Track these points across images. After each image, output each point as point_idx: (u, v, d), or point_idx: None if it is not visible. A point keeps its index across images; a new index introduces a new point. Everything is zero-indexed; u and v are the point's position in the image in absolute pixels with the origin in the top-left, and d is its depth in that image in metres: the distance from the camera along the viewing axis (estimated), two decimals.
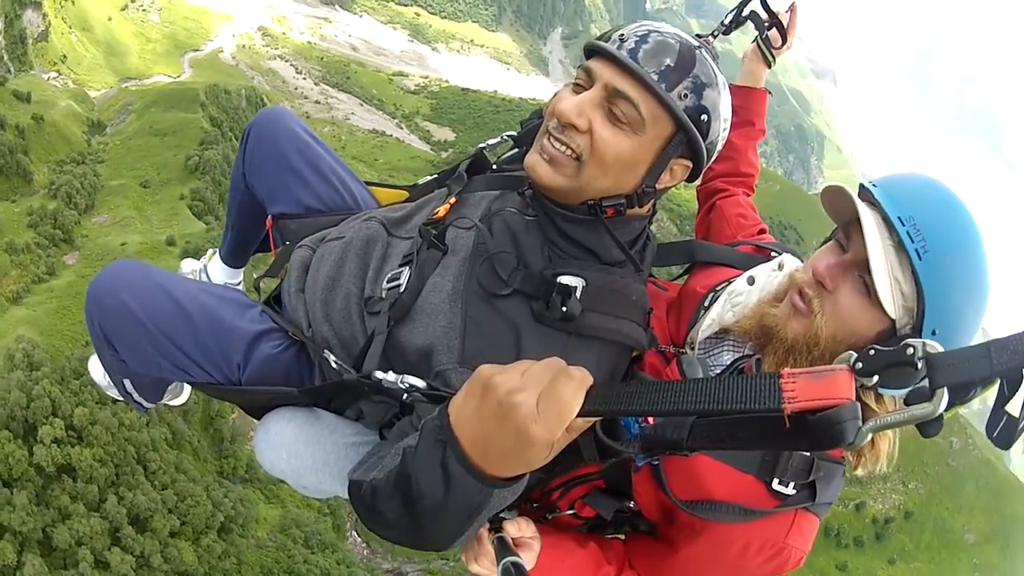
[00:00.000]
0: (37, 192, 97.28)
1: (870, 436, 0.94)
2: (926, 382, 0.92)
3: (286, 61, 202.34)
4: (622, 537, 2.32)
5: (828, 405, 0.94)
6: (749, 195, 2.91)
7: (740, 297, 2.10)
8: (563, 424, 1.15)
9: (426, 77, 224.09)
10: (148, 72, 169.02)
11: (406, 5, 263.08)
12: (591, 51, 1.92)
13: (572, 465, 1.85)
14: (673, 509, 1.99)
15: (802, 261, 2.14)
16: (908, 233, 1.72)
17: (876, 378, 0.96)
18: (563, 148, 1.87)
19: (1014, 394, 0.92)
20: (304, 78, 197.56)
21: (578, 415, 1.16)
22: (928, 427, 0.95)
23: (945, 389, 0.91)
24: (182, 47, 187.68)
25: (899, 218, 1.74)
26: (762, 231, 2.64)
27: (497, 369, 1.24)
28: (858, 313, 1.82)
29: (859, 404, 0.94)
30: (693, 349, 2.12)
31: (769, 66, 3.02)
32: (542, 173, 1.90)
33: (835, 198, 1.90)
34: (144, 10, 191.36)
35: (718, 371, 2.04)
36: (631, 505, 2.15)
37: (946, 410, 0.92)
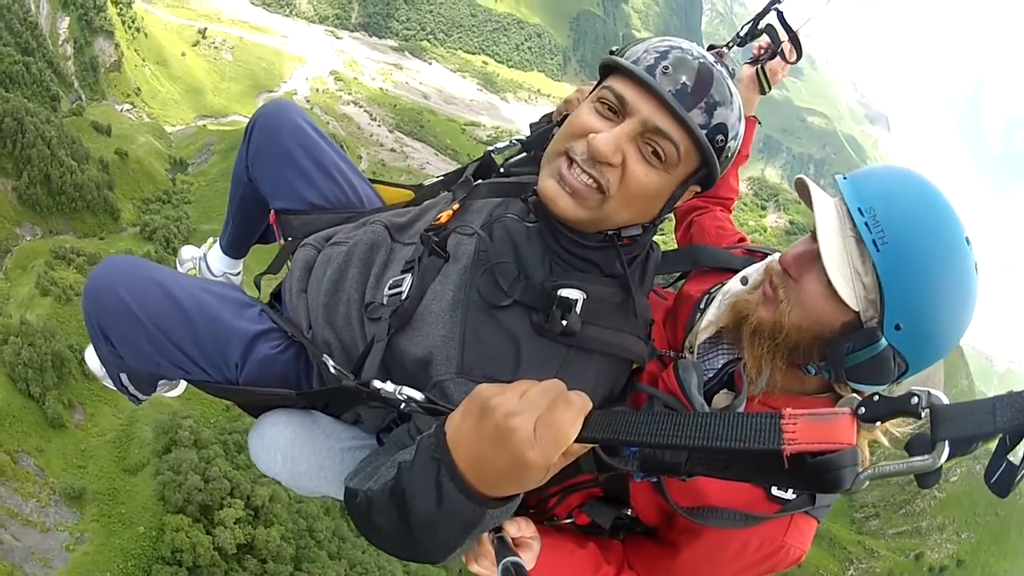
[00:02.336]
0: (124, 230, 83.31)
1: (867, 483, 0.94)
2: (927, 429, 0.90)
3: (360, 107, 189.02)
4: (621, 538, 2.24)
5: (828, 449, 0.92)
6: (727, 212, 2.87)
7: (733, 299, 2.01)
8: (559, 450, 1.14)
9: (497, 127, 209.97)
10: (224, 111, 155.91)
11: (474, 53, 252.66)
12: (615, 69, 1.79)
13: (569, 474, 1.81)
14: (672, 513, 1.94)
15: None
16: (866, 223, 1.66)
17: (878, 424, 0.95)
18: (589, 181, 1.76)
19: (1015, 447, 0.91)
20: (379, 125, 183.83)
21: (575, 441, 1.15)
22: (926, 478, 0.95)
23: (946, 442, 0.90)
24: (257, 87, 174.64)
25: (859, 208, 1.69)
26: (742, 240, 2.60)
27: (496, 390, 1.22)
28: (821, 303, 1.75)
29: (858, 450, 0.93)
30: (692, 353, 2.07)
31: (763, 93, 2.97)
32: (564, 206, 1.79)
33: (804, 190, 1.85)
34: (216, 47, 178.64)
35: (711, 375, 2.00)
36: (628, 513, 2.11)
37: (945, 462, 0.90)
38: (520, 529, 1.91)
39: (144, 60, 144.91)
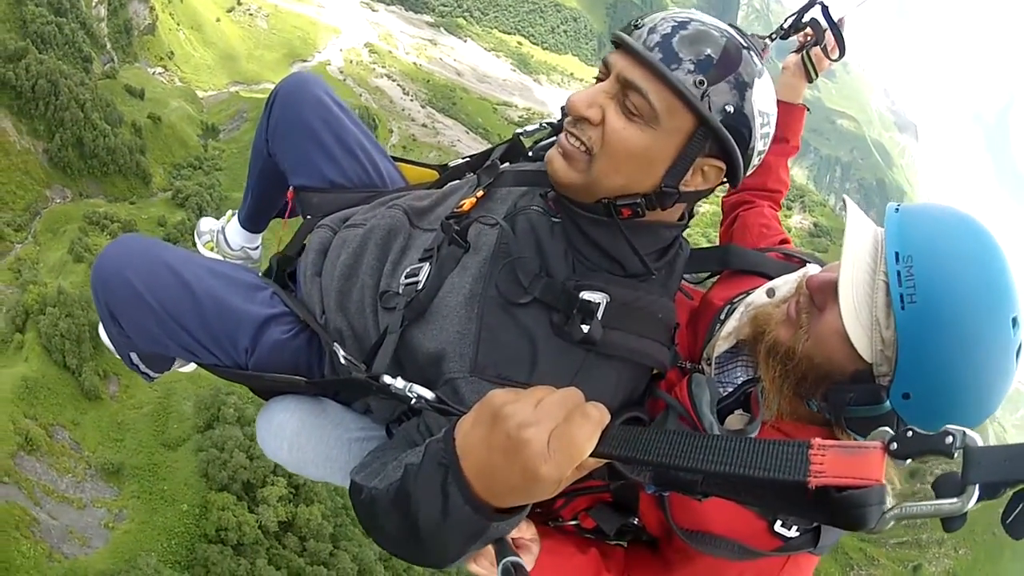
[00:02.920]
0: (155, 195, 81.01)
1: (892, 523, 0.90)
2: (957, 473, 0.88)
3: (393, 80, 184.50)
4: (624, 544, 2.17)
5: (855, 485, 0.89)
6: (775, 210, 2.75)
7: (754, 311, 1.93)
8: (573, 465, 1.09)
9: (529, 109, 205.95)
10: (257, 78, 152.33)
11: (509, 33, 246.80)
12: (615, 43, 1.74)
13: (579, 479, 1.74)
14: (672, 530, 1.88)
15: None
16: (899, 273, 1.50)
17: (908, 461, 0.93)
18: (575, 142, 1.72)
19: None
20: (411, 100, 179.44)
21: (590, 456, 1.10)
22: (952, 522, 0.92)
23: (977, 486, 0.87)
24: (290, 56, 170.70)
25: (896, 253, 1.52)
26: (784, 241, 2.49)
27: (510, 397, 1.16)
28: (836, 342, 1.63)
29: (885, 488, 0.90)
30: (709, 365, 1.98)
31: (810, 80, 2.82)
32: (556, 167, 1.76)
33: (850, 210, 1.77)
34: (251, 14, 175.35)
35: (729, 390, 1.88)
36: (635, 521, 2.03)
37: (973, 506, 0.87)
38: (520, 530, 1.85)
39: (179, 24, 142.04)
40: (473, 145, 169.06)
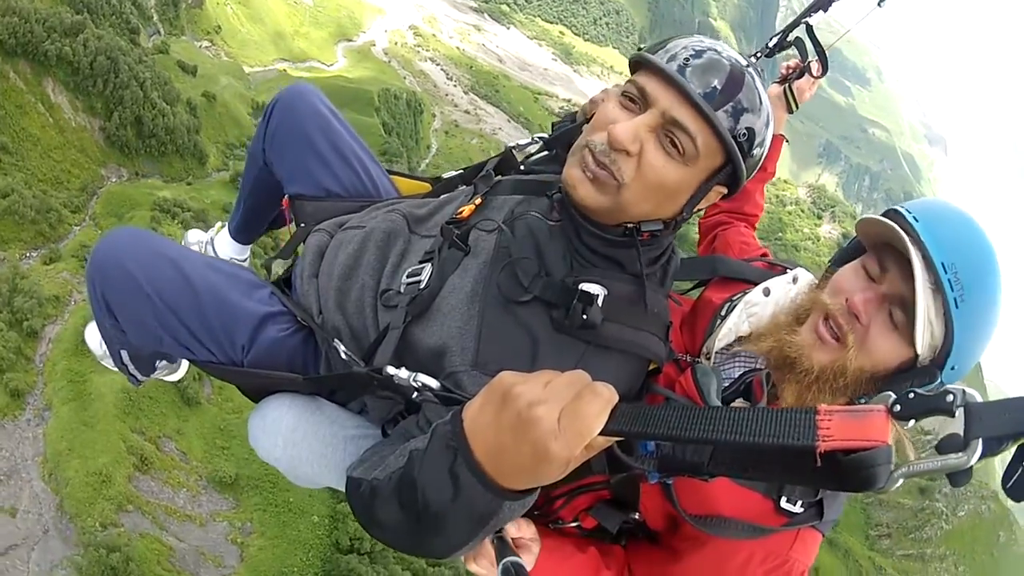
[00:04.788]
0: (210, 176, 75.92)
1: (901, 481, 0.92)
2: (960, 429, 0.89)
3: (437, 65, 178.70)
4: (622, 543, 2.19)
5: (862, 447, 0.89)
6: (751, 229, 2.90)
7: (756, 308, 2.06)
8: (583, 442, 1.09)
9: (569, 100, 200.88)
10: (303, 56, 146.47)
11: (552, 22, 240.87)
12: (643, 64, 1.74)
13: (578, 475, 1.75)
14: (678, 519, 1.94)
15: (814, 276, 2.13)
16: (949, 281, 1.70)
17: (912, 422, 0.95)
18: (605, 172, 1.72)
19: None
20: (455, 85, 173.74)
21: (600, 434, 1.09)
22: (958, 477, 0.93)
23: (980, 440, 0.88)
24: (336, 35, 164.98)
25: (943, 264, 1.71)
26: (764, 255, 2.58)
27: (519, 378, 1.17)
28: (887, 348, 1.78)
29: (892, 448, 0.90)
30: (708, 359, 2.07)
31: (790, 111, 3.00)
32: (584, 193, 1.75)
33: (873, 225, 1.86)
34: None
35: (728, 383, 1.98)
36: (635, 517, 2.08)
37: (978, 461, 0.89)
38: (520, 530, 1.84)
39: None
40: (514, 134, 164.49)
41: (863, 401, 1.79)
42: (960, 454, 0.88)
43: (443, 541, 1.37)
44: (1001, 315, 1.76)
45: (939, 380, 1.72)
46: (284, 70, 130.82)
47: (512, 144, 2.40)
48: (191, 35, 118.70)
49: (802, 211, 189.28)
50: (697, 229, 3.03)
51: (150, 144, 69.76)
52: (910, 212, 1.79)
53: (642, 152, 1.67)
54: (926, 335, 1.72)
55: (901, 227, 1.77)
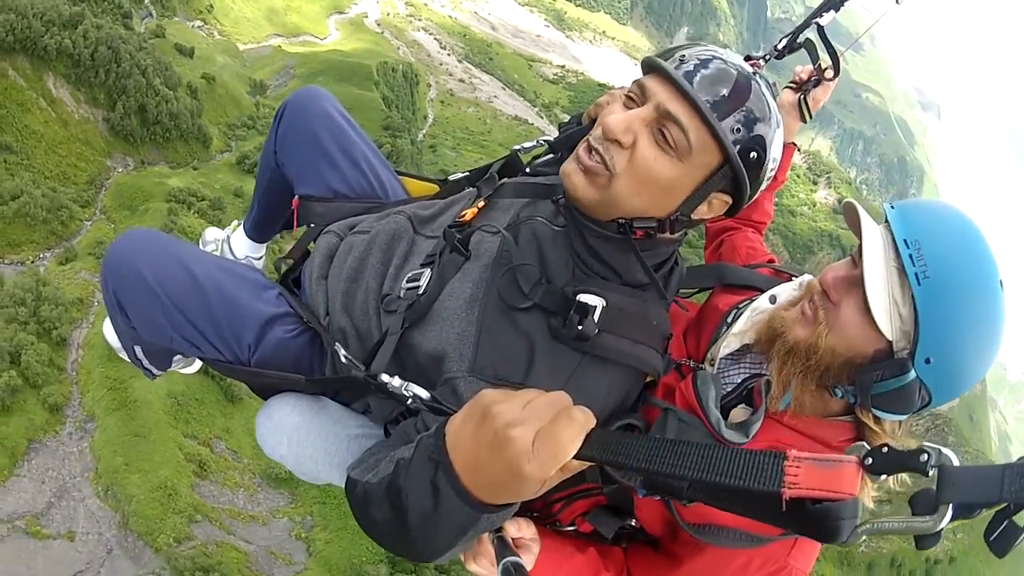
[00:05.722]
0: (214, 158, 75.19)
1: (864, 537, 0.90)
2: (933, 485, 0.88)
3: (430, 34, 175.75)
4: (623, 545, 2.18)
5: (829, 498, 0.88)
6: (759, 234, 2.86)
7: (762, 315, 2.03)
8: (557, 465, 1.11)
9: (563, 66, 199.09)
10: (296, 31, 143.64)
11: None
12: (649, 67, 1.78)
13: (575, 481, 1.76)
14: (677, 526, 1.91)
15: None
16: (910, 256, 1.68)
17: (883, 477, 0.92)
18: (598, 160, 1.75)
19: (1018, 512, 0.87)
20: (448, 54, 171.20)
21: (574, 458, 1.11)
22: (926, 540, 0.91)
23: (950, 506, 0.86)
24: (329, 8, 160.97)
25: (904, 240, 1.70)
26: (771, 261, 2.54)
27: (499, 396, 1.20)
28: (857, 329, 1.76)
29: (860, 502, 0.88)
30: (712, 366, 2.05)
31: (804, 121, 2.88)
32: (576, 182, 1.79)
33: (851, 214, 1.86)
34: None
35: (729, 389, 1.95)
36: (632, 523, 2.08)
37: (946, 526, 0.86)
38: (520, 530, 1.86)
39: None
40: (510, 102, 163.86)
41: (837, 392, 1.80)
42: (927, 518, 0.87)
43: (428, 546, 1.41)
44: (1002, 315, 1.67)
45: (912, 374, 1.67)
46: (279, 46, 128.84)
47: (517, 147, 2.42)
48: (184, 15, 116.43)
49: (797, 176, 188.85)
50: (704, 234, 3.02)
51: (155, 131, 69.16)
52: (892, 203, 1.80)
53: (635, 145, 1.69)
54: (894, 316, 1.70)
55: (885, 219, 1.80)
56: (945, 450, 0.88)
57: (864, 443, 0.95)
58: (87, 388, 46.28)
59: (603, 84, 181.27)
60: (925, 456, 0.88)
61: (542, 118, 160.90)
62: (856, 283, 1.75)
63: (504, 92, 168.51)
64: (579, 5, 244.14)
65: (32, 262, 52.97)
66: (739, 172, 1.71)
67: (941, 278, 1.63)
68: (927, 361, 1.67)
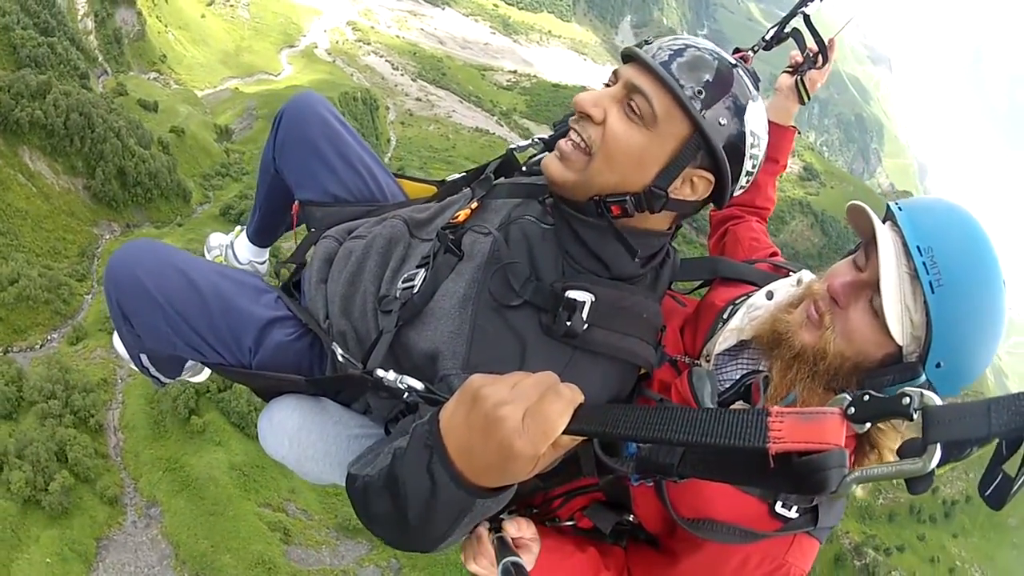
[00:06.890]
0: (195, 212, 75.01)
1: (854, 486, 0.89)
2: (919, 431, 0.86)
3: (381, 56, 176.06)
4: (623, 544, 2.18)
5: (815, 449, 0.87)
6: (762, 224, 2.83)
7: (758, 311, 1.99)
8: (547, 441, 1.12)
9: (515, 71, 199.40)
10: (251, 70, 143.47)
11: None
12: (622, 58, 1.85)
13: (572, 476, 1.80)
14: (674, 522, 1.90)
15: (817, 277, 2.05)
16: (924, 264, 1.64)
17: (868, 425, 0.91)
18: (576, 139, 1.80)
19: (1012, 455, 0.86)
20: (402, 74, 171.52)
21: (564, 433, 1.12)
22: (917, 483, 0.90)
23: (938, 445, 0.85)
24: (279, 43, 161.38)
25: (917, 247, 1.66)
26: (774, 254, 2.54)
27: (488, 380, 1.22)
28: (867, 334, 1.73)
29: (847, 451, 0.87)
30: (708, 362, 2.02)
31: (803, 103, 2.86)
32: (552, 168, 1.84)
33: (858, 216, 1.82)
34: (231, 5, 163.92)
35: (727, 386, 1.94)
36: (630, 519, 2.07)
37: (938, 467, 0.86)
38: (520, 529, 1.88)
39: (166, 26, 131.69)
40: (468, 114, 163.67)
41: (845, 395, 2.02)
42: (917, 459, 0.86)
43: (427, 534, 1.43)
44: (1005, 315, 1.69)
45: (923, 378, 1.64)
46: (236, 88, 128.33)
47: (513, 146, 2.44)
48: (138, 68, 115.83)
49: None
50: (708, 221, 2.97)
51: (136, 193, 68.79)
52: (899, 205, 1.78)
53: (606, 120, 1.75)
54: (905, 323, 1.67)
55: (888, 218, 1.78)
56: (927, 392, 0.87)
57: (846, 395, 0.95)
58: (138, 473, 45.22)
59: (557, 84, 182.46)
60: (907, 399, 0.88)
61: (502, 126, 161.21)
62: (863, 288, 1.73)
63: (461, 105, 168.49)
64: (522, 8, 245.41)
65: (41, 346, 51.94)
66: (711, 143, 1.72)
67: (954, 285, 1.61)
68: (938, 365, 1.65)
